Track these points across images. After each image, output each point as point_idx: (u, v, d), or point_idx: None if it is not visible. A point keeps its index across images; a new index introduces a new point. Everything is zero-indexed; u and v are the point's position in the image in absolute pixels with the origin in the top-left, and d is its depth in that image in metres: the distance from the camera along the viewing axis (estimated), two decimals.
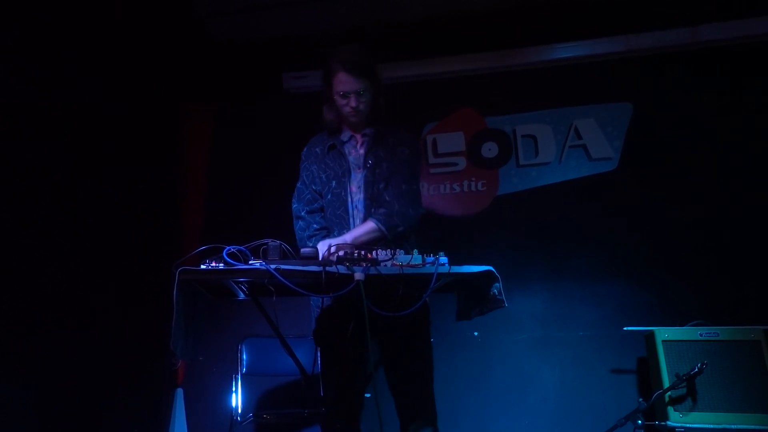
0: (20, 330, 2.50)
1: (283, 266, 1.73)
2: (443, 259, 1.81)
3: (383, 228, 2.14)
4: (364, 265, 1.75)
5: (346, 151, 2.30)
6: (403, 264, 1.79)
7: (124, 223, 3.20)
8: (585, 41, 3.59)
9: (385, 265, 1.79)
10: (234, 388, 2.98)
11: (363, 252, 1.79)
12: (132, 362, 3.11)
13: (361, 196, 2.23)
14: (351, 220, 2.22)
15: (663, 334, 2.75)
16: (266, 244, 1.78)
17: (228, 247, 1.74)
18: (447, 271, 1.78)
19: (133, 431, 3.16)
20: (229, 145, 3.87)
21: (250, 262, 1.74)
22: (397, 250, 1.85)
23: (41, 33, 2.65)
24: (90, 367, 2.82)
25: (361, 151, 2.30)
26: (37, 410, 2.55)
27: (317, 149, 2.34)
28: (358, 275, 1.73)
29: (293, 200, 2.37)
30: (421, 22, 3.69)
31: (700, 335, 2.72)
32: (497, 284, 1.86)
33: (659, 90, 3.51)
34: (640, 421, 2.53)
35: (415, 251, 1.84)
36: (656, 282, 3.25)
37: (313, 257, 1.80)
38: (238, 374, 3.03)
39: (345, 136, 2.33)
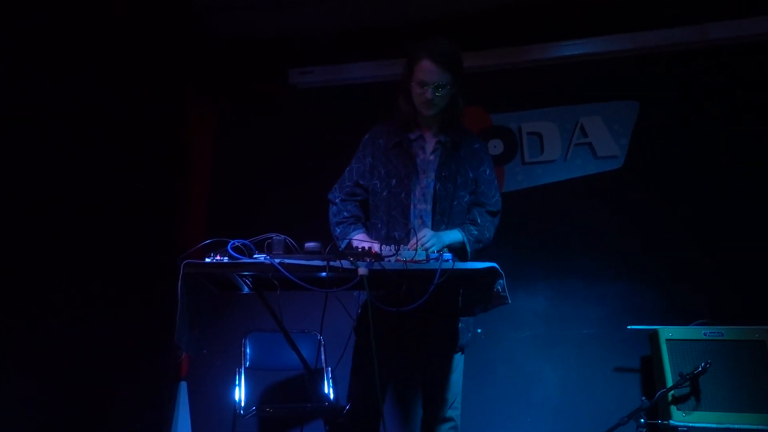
0: (26, 323, 2.51)
1: (287, 260, 1.73)
2: (447, 255, 1.82)
3: (468, 247, 2.14)
4: (368, 260, 1.76)
5: (414, 152, 2.22)
6: (407, 260, 1.79)
7: (130, 217, 3.21)
8: (592, 38, 3.57)
9: (389, 261, 1.79)
10: (237, 382, 2.99)
11: (368, 247, 1.80)
12: (136, 355, 3.12)
13: (427, 207, 2.18)
14: (412, 228, 2.13)
15: (667, 333, 2.74)
16: (271, 238, 1.79)
17: (233, 241, 1.74)
18: (451, 268, 1.78)
19: (137, 423, 3.17)
20: (234, 140, 3.88)
21: (255, 256, 1.75)
22: (401, 246, 1.86)
23: (41, 32, 2.64)
24: (95, 359, 2.83)
25: (431, 157, 2.23)
26: (43, 401, 2.57)
27: (381, 141, 2.25)
28: (362, 270, 1.73)
29: (335, 186, 2.32)
30: (426, 19, 3.68)
31: (705, 334, 2.70)
32: (501, 281, 1.86)
33: (667, 88, 3.50)
34: (642, 420, 2.52)
35: (419, 247, 1.85)
36: (661, 281, 3.24)
37: (317, 252, 1.80)
38: (241, 368, 3.04)
39: (414, 134, 2.24)
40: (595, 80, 3.59)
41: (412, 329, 2.14)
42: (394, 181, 2.19)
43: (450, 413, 2.21)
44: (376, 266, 1.75)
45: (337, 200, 2.26)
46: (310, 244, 1.82)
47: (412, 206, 2.17)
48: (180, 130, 3.81)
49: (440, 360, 2.21)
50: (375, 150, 2.25)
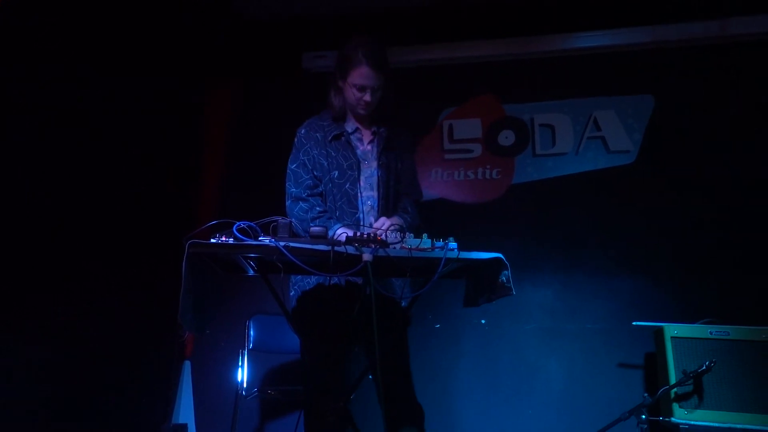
0: (36, 297, 2.54)
1: (292, 244, 1.73)
2: (453, 245, 1.81)
3: (405, 229, 2.13)
4: (373, 246, 1.75)
5: (354, 144, 2.28)
6: (412, 247, 1.79)
7: (143, 192, 3.23)
8: (610, 31, 3.52)
9: (394, 248, 1.79)
10: (240, 363, 3.01)
11: (372, 234, 1.79)
12: (143, 333, 3.15)
13: (373, 193, 2.23)
14: (360, 214, 2.18)
15: (672, 330, 2.73)
16: (276, 221, 1.79)
17: (238, 223, 1.74)
18: (456, 257, 1.78)
19: (142, 401, 3.21)
20: (247, 123, 3.87)
21: (260, 238, 1.75)
22: (407, 233, 1.85)
23: (68, 7, 2.66)
24: (101, 336, 2.86)
25: (369, 147, 2.29)
26: (52, 374, 2.60)
27: (318, 135, 2.29)
28: (367, 256, 1.73)
29: (289, 183, 2.28)
30: (443, 5, 3.65)
31: (711, 333, 2.69)
32: (506, 272, 1.85)
33: (683, 84, 3.45)
34: (644, 416, 2.51)
35: (425, 235, 1.84)
36: (668, 278, 3.22)
37: (322, 236, 1.80)
38: (244, 350, 3.07)
39: (350, 126, 2.30)
40: (610, 73, 3.55)
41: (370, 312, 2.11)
42: (336, 173, 2.23)
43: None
44: (381, 253, 1.75)
45: (304, 195, 2.25)
46: (315, 229, 1.82)
47: (359, 195, 2.21)
48: (196, 111, 3.81)
49: (397, 336, 2.19)
50: (314, 143, 2.28)
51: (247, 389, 2.96)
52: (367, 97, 2.20)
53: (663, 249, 3.27)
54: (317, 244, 1.76)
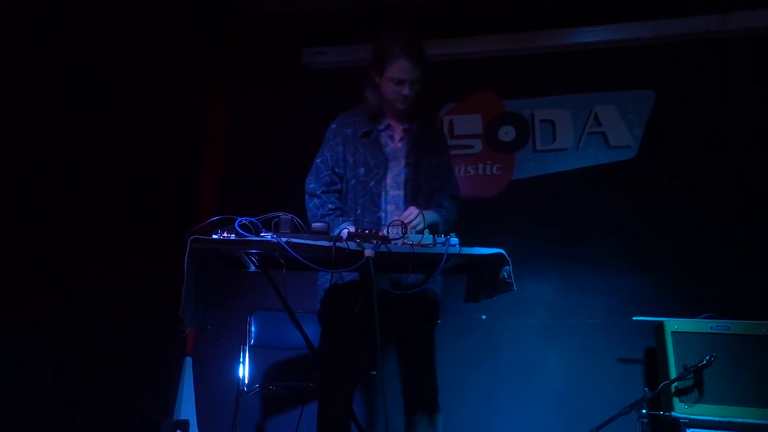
0: (40, 294, 2.55)
1: (294, 240, 1.74)
2: (454, 240, 1.81)
3: (441, 228, 2.15)
4: (375, 242, 1.76)
5: (383, 141, 2.26)
6: (414, 243, 1.79)
7: (143, 192, 3.22)
8: (610, 26, 3.52)
9: (396, 244, 1.79)
10: (241, 359, 3.02)
11: (374, 230, 1.80)
12: (144, 330, 3.15)
13: (400, 192, 2.21)
14: (383, 213, 2.18)
15: (673, 325, 2.73)
16: (278, 217, 1.79)
17: (240, 219, 1.75)
18: (457, 252, 1.78)
19: (143, 397, 3.22)
20: (247, 119, 3.87)
21: (262, 234, 1.75)
22: (409, 229, 1.86)
23: (68, 7, 2.65)
24: (101, 334, 2.87)
25: (399, 145, 2.27)
26: (56, 367, 2.61)
27: (348, 131, 2.28)
28: (369, 252, 1.73)
29: (309, 178, 2.32)
30: (443, 1, 3.64)
31: (711, 328, 2.69)
32: (507, 267, 1.86)
33: (684, 79, 3.44)
34: (644, 411, 2.52)
35: (426, 231, 1.84)
36: (668, 273, 3.22)
37: (324, 232, 1.80)
38: (246, 346, 3.07)
39: (382, 124, 2.28)
40: (611, 68, 3.55)
41: (395, 307, 2.14)
42: (362, 170, 2.22)
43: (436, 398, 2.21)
44: (383, 248, 1.75)
45: (318, 192, 2.26)
46: (317, 224, 1.82)
47: (384, 194, 2.20)
48: (196, 111, 3.81)
49: (424, 334, 2.23)
50: (342, 139, 2.28)
51: (248, 385, 2.96)
52: (406, 91, 2.18)
53: (663, 244, 3.27)
54: (319, 240, 1.76)
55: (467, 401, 3.24)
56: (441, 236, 1.83)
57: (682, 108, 3.42)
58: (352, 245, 1.74)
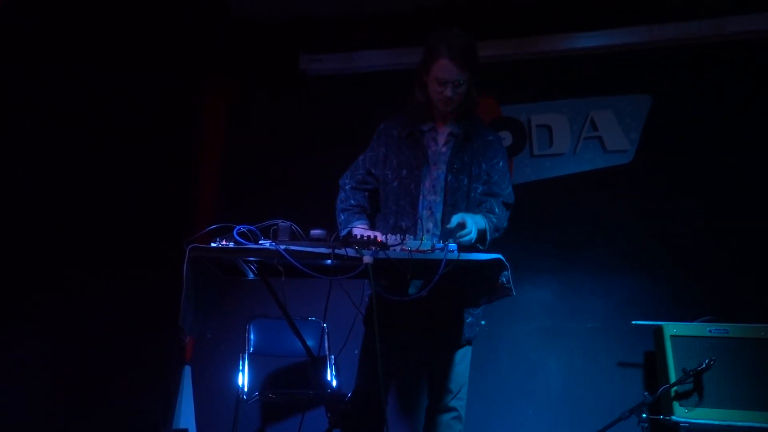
0: (39, 298, 2.54)
1: (292, 247, 1.74)
2: (452, 246, 1.82)
3: (488, 235, 2.12)
4: (373, 248, 1.76)
5: (425, 143, 2.22)
6: (413, 249, 1.79)
7: (140, 198, 3.22)
8: (606, 31, 3.53)
9: (395, 250, 1.79)
10: (241, 367, 3.01)
11: (372, 236, 1.80)
12: (143, 337, 3.14)
13: (437, 198, 2.17)
14: (419, 220, 2.14)
15: (671, 329, 2.73)
16: (276, 224, 1.79)
17: (238, 226, 1.75)
18: (456, 258, 1.78)
19: (142, 406, 3.21)
20: (245, 125, 3.87)
21: (260, 242, 1.76)
22: (407, 235, 1.86)
23: (68, 7, 2.66)
24: (99, 340, 2.86)
25: (443, 149, 2.22)
26: (55, 373, 2.60)
27: (395, 132, 2.25)
28: (367, 258, 1.73)
29: (347, 172, 2.32)
30: (438, 8, 3.65)
31: (710, 331, 2.69)
32: (506, 273, 1.85)
33: (680, 83, 3.46)
34: (644, 415, 2.51)
35: (425, 237, 1.85)
36: (667, 277, 3.22)
37: (322, 239, 1.80)
38: (245, 353, 3.06)
39: (427, 125, 2.24)
40: (607, 73, 3.56)
41: (420, 321, 2.15)
42: (404, 172, 2.19)
43: (453, 403, 2.22)
44: (381, 255, 1.75)
45: (347, 187, 2.27)
46: (315, 232, 1.82)
47: (421, 197, 2.16)
48: (196, 111, 3.81)
49: (446, 352, 2.22)
50: (388, 140, 2.25)
51: (247, 393, 2.95)
52: (448, 92, 2.11)
53: (661, 248, 3.28)
54: (317, 247, 1.76)
55: (468, 406, 3.23)
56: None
57: (678, 112, 3.43)
58: (351, 252, 1.74)
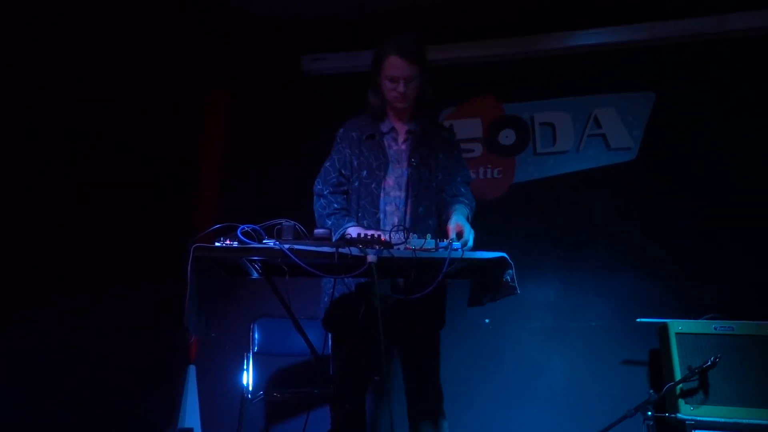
0: (42, 299, 2.54)
1: (296, 246, 1.74)
2: (456, 245, 1.81)
3: (469, 212, 2.19)
4: (377, 247, 1.76)
5: (386, 144, 2.28)
6: (416, 248, 1.79)
7: (143, 198, 3.22)
8: (608, 28, 3.52)
9: (398, 249, 1.79)
10: (245, 367, 3.01)
11: (376, 234, 1.79)
12: (147, 336, 3.15)
13: (401, 193, 2.22)
14: (381, 215, 2.20)
15: (676, 326, 2.72)
16: (280, 223, 1.79)
17: (242, 226, 1.75)
18: (460, 257, 1.78)
19: (147, 406, 3.21)
20: (246, 125, 3.87)
21: (264, 241, 1.76)
22: (411, 234, 1.85)
23: (68, 7, 2.66)
24: (103, 340, 2.86)
25: (403, 147, 2.29)
26: (56, 376, 2.60)
27: (354, 134, 2.31)
28: (371, 257, 1.73)
29: (317, 180, 2.34)
30: (441, 6, 3.65)
31: (715, 329, 2.68)
32: (510, 271, 1.85)
33: (683, 80, 3.45)
34: (650, 413, 2.51)
35: (429, 236, 1.84)
36: (671, 274, 3.21)
37: (326, 238, 1.80)
38: (249, 353, 3.07)
39: (385, 126, 2.30)
40: (610, 71, 3.55)
41: (400, 312, 2.15)
42: (365, 173, 2.25)
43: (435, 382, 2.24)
44: (385, 254, 1.75)
45: (325, 192, 2.29)
46: (319, 231, 1.82)
47: (383, 195, 2.22)
48: (196, 111, 3.81)
49: (428, 338, 2.25)
50: (350, 142, 2.31)
51: (252, 392, 2.96)
52: (401, 88, 2.19)
53: (665, 245, 3.27)
54: (322, 246, 1.76)
55: (471, 405, 3.23)
56: (443, 240, 1.82)
57: (681, 109, 3.42)
58: (355, 251, 1.74)
